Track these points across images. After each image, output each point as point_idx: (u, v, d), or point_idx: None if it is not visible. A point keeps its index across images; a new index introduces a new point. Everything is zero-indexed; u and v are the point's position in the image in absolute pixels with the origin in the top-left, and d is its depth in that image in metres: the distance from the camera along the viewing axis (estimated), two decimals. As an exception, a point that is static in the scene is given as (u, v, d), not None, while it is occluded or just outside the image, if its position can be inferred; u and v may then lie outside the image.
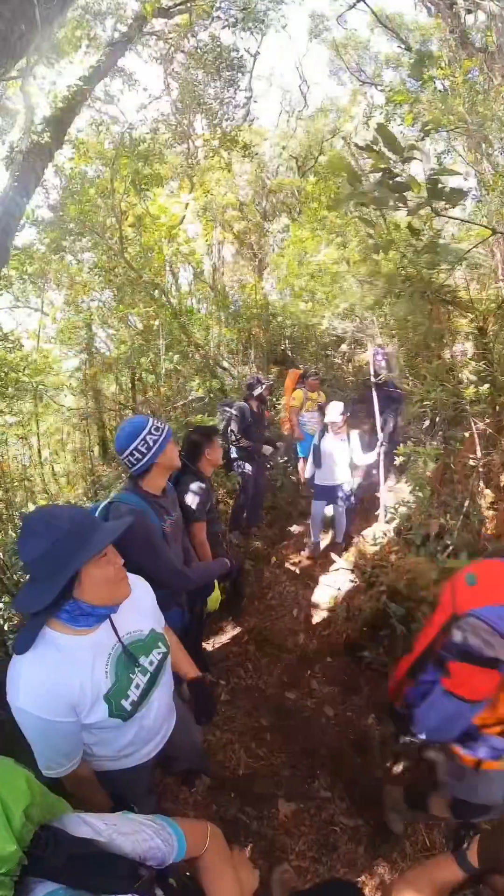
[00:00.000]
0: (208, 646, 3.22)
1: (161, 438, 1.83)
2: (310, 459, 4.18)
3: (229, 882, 1.06)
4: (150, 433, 1.81)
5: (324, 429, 4.09)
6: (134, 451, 1.79)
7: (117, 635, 1.20)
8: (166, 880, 0.93)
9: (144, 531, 1.73)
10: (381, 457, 4.70)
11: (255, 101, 7.48)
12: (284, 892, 1.79)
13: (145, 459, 1.80)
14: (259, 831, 2.04)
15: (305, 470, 4.28)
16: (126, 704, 1.18)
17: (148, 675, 1.27)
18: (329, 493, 4.21)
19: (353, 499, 4.30)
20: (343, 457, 4.07)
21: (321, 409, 5.24)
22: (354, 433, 4.17)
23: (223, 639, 3.33)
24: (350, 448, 4.08)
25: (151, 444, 1.80)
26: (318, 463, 4.09)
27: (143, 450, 1.79)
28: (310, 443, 5.37)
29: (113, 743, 1.24)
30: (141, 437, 1.79)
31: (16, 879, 0.71)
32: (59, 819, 0.85)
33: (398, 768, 2.28)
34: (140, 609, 1.33)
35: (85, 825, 0.84)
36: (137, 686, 1.23)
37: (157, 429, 1.84)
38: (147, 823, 0.94)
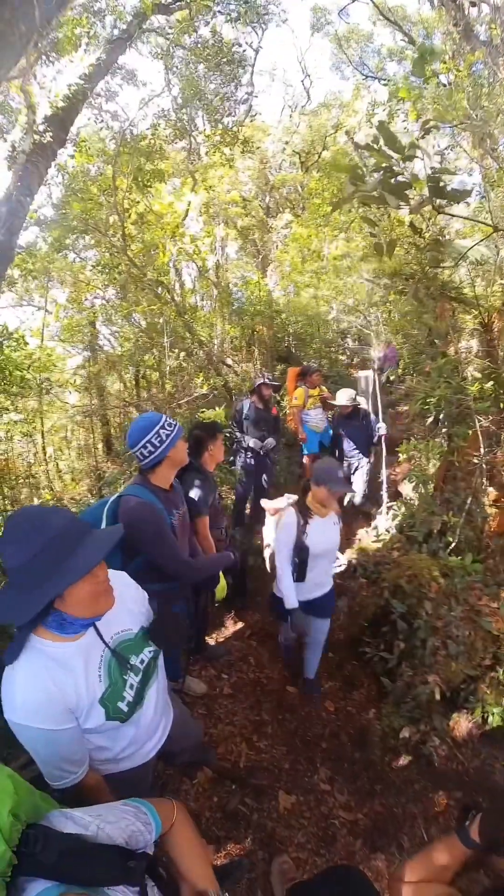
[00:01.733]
0: (211, 640, 3.25)
1: (173, 434, 1.87)
2: (285, 572, 2.37)
3: (200, 852, 1.09)
4: (163, 427, 1.85)
5: (304, 512, 2.36)
6: (147, 445, 1.83)
7: (103, 641, 1.18)
8: (156, 871, 0.95)
9: (154, 523, 1.78)
10: (384, 451, 4.73)
11: (257, 97, 7.44)
12: (284, 882, 1.82)
13: (157, 453, 1.84)
14: (259, 823, 2.07)
15: (280, 585, 2.42)
16: (122, 706, 1.18)
17: (140, 674, 1.26)
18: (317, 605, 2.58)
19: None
20: (336, 545, 2.57)
21: (324, 403, 5.22)
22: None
23: (226, 633, 3.36)
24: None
25: (164, 438, 1.84)
26: (303, 573, 2.37)
27: (155, 443, 1.83)
28: (315, 441, 5.34)
29: (113, 746, 1.24)
30: (154, 431, 1.83)
31: (7, 880, 0.72)
32: (46, 817, 0.86)
33: (398, 763, 2.30)
34: (128, 608, 1.31)
35: (71, 822, 0.85)
36: (132, 686, 1.22)
37: (169, 424, 1.88)
38: (126, 809, 0.96)
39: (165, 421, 1.88)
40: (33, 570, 0.99)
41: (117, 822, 0.91)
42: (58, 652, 1.09)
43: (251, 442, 4.33)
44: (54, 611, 1.05)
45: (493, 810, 1.01)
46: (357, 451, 4.81)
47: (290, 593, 2.39)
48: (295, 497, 2.52)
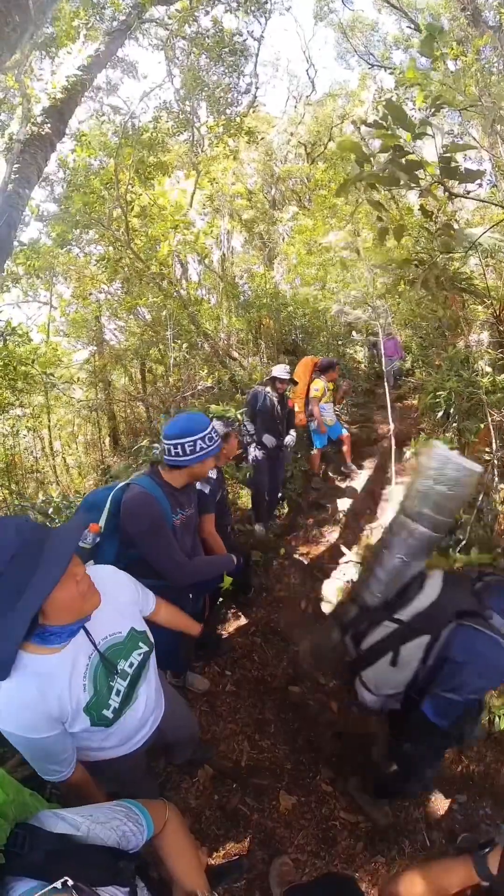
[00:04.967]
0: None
1: (209, 449, 1.78)
2: None
3: (191, 856, 1.08)
4: (202, 440, 1.76)
5: None
6: (179, 446, 1.74)
7: (93, 644, 1.15)
8: (147, 872, 0.93)
9: (151, 517, 1.71)
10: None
11: (259, 87, 7.34)
12: (282, 884, 1.78)
13: (184, 459, 1.76)
14: (259, 823, 2.03)
15: None
16: (108, 714, 1.17)
17: (128, 678, 1.24)
18: None
19: None
20: None
21: (334, 398, 5.17)
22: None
23: (230, 630, 3.33)
24: None
25: (198, 449, 1.75)
26: None
27: (187, 449, 1.75)
28: (325, 436, 5.27)
29: (94, 740, 1.23)
30: (194, 437, 1.74)
31: None
32: (36, 816, 0.85)
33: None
34: (117, 607, 1.25)
35: (62, 821, 0.84)
36: (118, 693, 1.20)
37: (210, 439, 1.78)
38: (117, 809, 0.95)
39: (211, 432, 1.78)
40: (3, 587, 0.93)
41: (108, 823, 0.90)
42: (42, 664, 1.07)
43: (266, 440, 4.08)
44: (38, 627, 1.01)
45: None
46: None
47: None
48: None
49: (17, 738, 1.06)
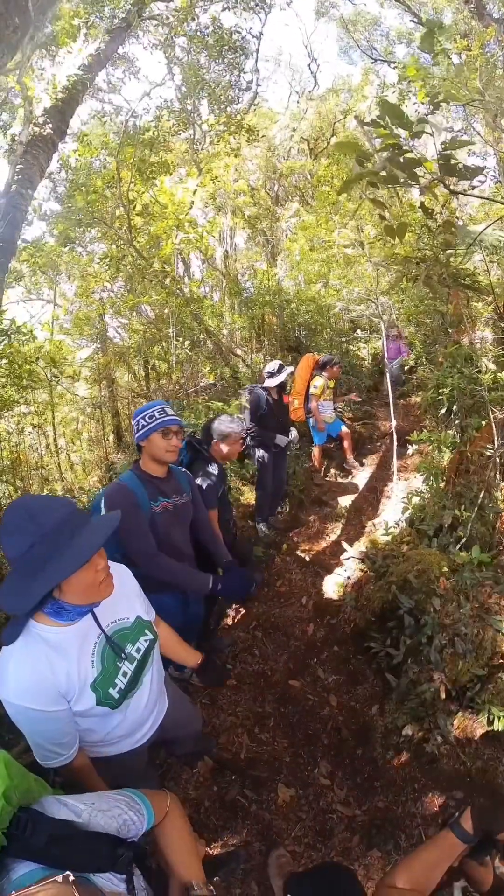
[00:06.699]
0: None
1: (150, 426, 1.89)
2: None
3: (190, 845, 1.10)
4: (144, 417, 1.91)
5: None
6: (134, 424, 1.94)
7: (100, 627, 1.21)
8: (144, 861, 0.95)
9: (123, 505, 1.78)
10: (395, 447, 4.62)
11: (260, 83, 7.32)
12: (282, 875, 1.81)
13: (136, 437, 1.93)
14: (257, 814, 2.06)
15: None
16: (114, 693, 1.20)
17: (135, 662, 1.27)
18: None
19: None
20: None
21: (334, 395, 5.17)
22: None
23: (231, 624, 3.36)
24: None
25: (140, 427, 1.91)
26: None
27: (134, 428, 1.93)
28: (325, 432, 5.29)
29: (99, 730, 1.25)
30: (137, 416, 1.93)
31: None
32: (39, 802, 0.87)
33: (399, 761, 2.27)
34: (126, 596, 1.32)
35: (64, 807, 0.86)
36: (125, 674, 1.24)
37: (151, 416, 1.90)
38: (119, 798, 0.97)
39: (154, 409, 1.91)
40: (29, 561, 1.01)
41: (110, 811, 0.93)
42: (53, 636, 1.12)
43: (279, 440, 4.04)
44: (52, 600, 1.06)
45: (481, 801, 1.00)
46: None
47: None
48: None
49: (21, 709, 1.07)
